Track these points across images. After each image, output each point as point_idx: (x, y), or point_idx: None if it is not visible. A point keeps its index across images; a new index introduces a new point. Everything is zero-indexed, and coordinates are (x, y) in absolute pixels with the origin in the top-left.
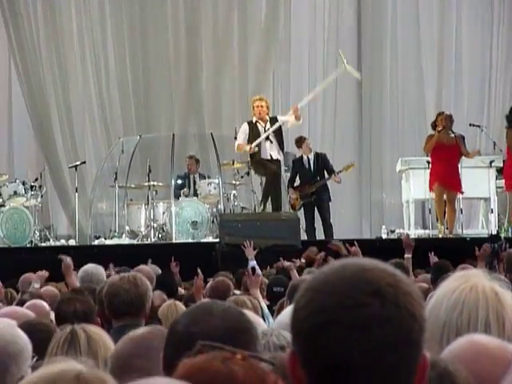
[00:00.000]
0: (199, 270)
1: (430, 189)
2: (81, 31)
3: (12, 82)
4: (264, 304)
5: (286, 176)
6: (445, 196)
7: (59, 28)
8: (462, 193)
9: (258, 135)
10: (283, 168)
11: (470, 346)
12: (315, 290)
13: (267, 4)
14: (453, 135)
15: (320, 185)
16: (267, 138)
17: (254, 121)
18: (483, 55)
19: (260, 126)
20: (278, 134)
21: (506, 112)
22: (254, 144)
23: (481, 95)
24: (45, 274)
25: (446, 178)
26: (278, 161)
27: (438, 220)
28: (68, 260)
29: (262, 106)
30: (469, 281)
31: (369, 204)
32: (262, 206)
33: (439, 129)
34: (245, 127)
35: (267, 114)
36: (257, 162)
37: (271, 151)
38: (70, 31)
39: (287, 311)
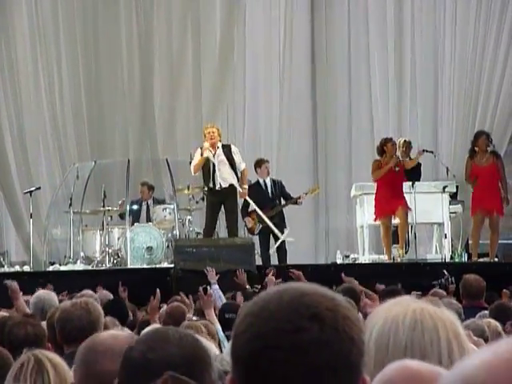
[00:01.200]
0: (158, 291)
1: (375, 218)
2: (35, 56)
3: None
4: (219, 326)
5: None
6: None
7: (12, 54)
8: (410, 209)
9: (207, 163)
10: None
11: (402, 371)
12: (254, 315)
13: (221, 30)
14: (397, 160)
15: (280, 209)
16: (214, 167)
17: (202, 155)
18: (435, 80)
19: (211, 153)
20: (230, 162)
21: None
22: (205, 155)
23: (433, 120)
24: None
25: (392, 202)
26: (232, 186)
27: (386, 251)
28: (14, 284)
29: (213, 133)
30: (409, 305)
31: (324, 229)
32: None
33: (390, 154)
34: (199, 151)
35: (219, 140)
36: (208, 190)
37: (225, 177)
38: (23, 57)
39: None
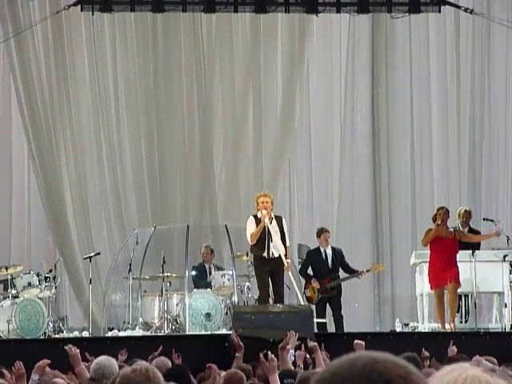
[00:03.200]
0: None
1: (431, 287)
2: (97, 123)
3: (31, 173)
4: None
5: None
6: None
7: (76, 123)
8: (460, 285)
9: (263, 231)
10: (296, 260)
11: None
12: (326, 382)
13: (283, 94)
14: (452, 229)
15: (342, 281)
16: (269, 236)
17: (258, 216)
18: (501, 149)
19: (268, 221)
20: (282, 229)
21: None
22: (263, 223)
23: (499, 189)
24: (43, 363)
25: (443, 275)
26: (279, 258)
27: (439, 321)
28: (74, 350)
29: (267, 202)
30: (464, 373)
31: (383, 297)
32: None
33: (438, 222)
34: (251, 219)
35: (271, 209)
36: (258, 259)
37: (277, 247)
38: (86, 125)
39: None
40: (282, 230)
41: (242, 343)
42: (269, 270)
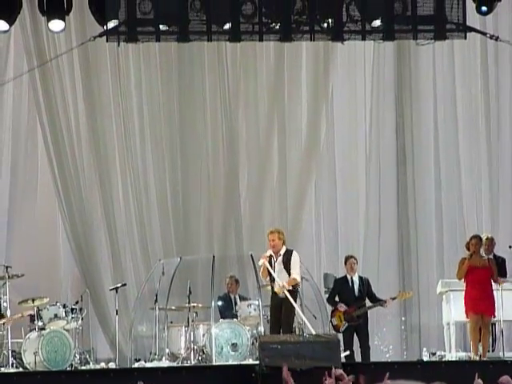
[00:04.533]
0: None
1: (466, 314)
2: (122, 155)
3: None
4: None
5: (325, 297)
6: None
7: (102, 154)
8: (495, 316)
9: (272, 267)
10: (323, 289)
11: None
12: None
13: (308, 121)
14: (485, 257)
15: (366, 310)
16: (278, 273)
17: (268, 254)
18: None
19: (273, 259)
20: (287, 265)
21: None
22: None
23: None
24: None
25: (479, 304)
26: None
27: (472, 349)
28: None
29: (273, 240)
30: None
31: (410, 325)
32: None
33: (471, 252)
34: (263, 256)
35: (283, 244)
36: (272, 294)
37: (277, 287)
38: (112, 156)
39: None
40: (289, 263)
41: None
42: (278, 304)
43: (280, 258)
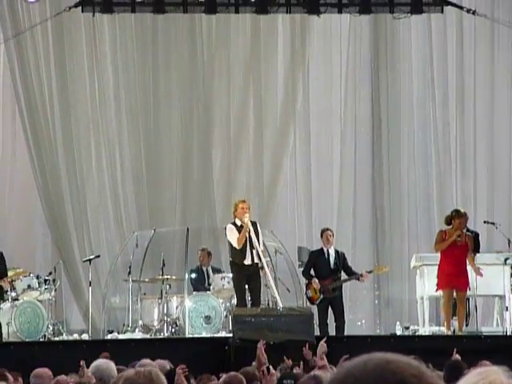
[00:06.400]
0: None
1: (438, 288)
2: (96, 126)
3: (28, 173)
4: None
5: (299, 270)
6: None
7: (76, 124)
8: (469, 289)
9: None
10: (296, 263)
11: None
12: (339, 382)
13: (284, 94)
14: (464, 234)
15: (344, 282)
16: (251, 243)
17: (237, 223)
18: (503, 151)
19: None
20: (257, 235)
21: None
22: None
23: (497, 191)
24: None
25: (453, 279)
26: (257, 264)
27: (445, 323)
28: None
29: (247, 208)
30: (487, 378)
31: (383, 300)
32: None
33: (457, 231)
34: (231, 227)
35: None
36: (237, 266)
37: (255, 256)
38: (86, 127)
39: None
40: (259, 236)
41: (265, 356)
42: (246, 276)
43: (251, 228)
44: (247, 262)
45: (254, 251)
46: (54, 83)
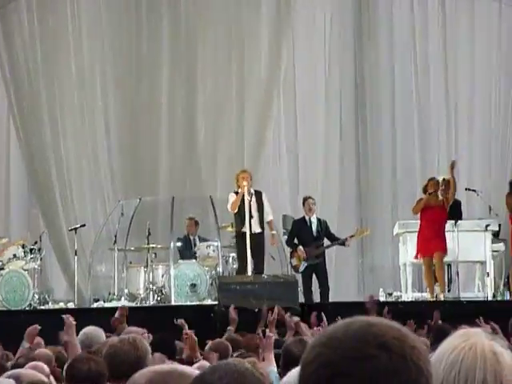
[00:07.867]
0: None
1: (417, 255)
2: (81, 94)
3: (11, 145)
4: (274, 368)
5: (284, 239)
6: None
7: (60, 91)
8: (446, 253)
9: (243, 206)
10: (282, 231)
11: None
12: (322, 345)
13: (268, 61)
14: (441, 198)
15: (327, 248)
16: (250, 211)
17: (240, 192)
18: (483, 120)
19: (247, 198)
20: (261, 209)
21: (503, 177)
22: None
23: (479, 160)
24: (34, 330)
25: (430, 245)
26: (259, 234)
27: (428, 290)
28: (70, 319)
29: (247, 177)
30: (468, 340)
31: (367, 266)
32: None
33: (430, 191)
34: (232, 194)
35: (251, 186)
36: (239, 235)
37: (254, 225)
38: (70, 94)
39: (293, 373)
40: (263, 205)
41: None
42: (248, 245)
43: (254, 198)
44: (245, 229)
45: (253, 220)
46: (39, 47)
